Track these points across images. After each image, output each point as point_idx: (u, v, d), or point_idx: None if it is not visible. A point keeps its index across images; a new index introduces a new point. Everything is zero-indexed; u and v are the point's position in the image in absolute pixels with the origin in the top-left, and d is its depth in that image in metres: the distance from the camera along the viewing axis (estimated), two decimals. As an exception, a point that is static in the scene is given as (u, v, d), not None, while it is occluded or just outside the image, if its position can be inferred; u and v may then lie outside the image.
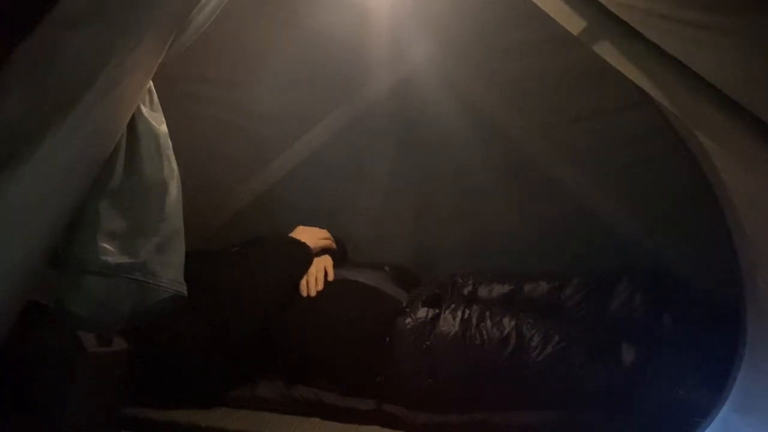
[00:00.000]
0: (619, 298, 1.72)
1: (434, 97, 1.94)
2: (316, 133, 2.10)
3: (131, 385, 1.44)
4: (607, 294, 1.74)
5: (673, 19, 0.86)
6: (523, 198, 2.01)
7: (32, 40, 0.89)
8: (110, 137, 1.02)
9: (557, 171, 1.96)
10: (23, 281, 0.95)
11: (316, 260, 1.75)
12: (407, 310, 1.58)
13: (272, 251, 1.75)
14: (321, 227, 1.89)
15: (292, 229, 1.86)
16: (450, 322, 1.52)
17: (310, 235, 1.82)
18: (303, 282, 1.67)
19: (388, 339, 1.52)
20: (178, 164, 1.19)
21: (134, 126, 1.09)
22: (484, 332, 1.49)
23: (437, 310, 1.56)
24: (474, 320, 1.52)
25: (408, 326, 1.53)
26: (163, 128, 1.16)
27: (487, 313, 1.54)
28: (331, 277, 1.71)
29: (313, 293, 1.65)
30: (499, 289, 1.84)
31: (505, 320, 1.51)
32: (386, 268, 1.88)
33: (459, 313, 1.54)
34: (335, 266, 1.76)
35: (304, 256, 1.74)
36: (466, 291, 1.85)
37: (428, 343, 1.50)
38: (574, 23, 0.96)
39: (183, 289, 1.18)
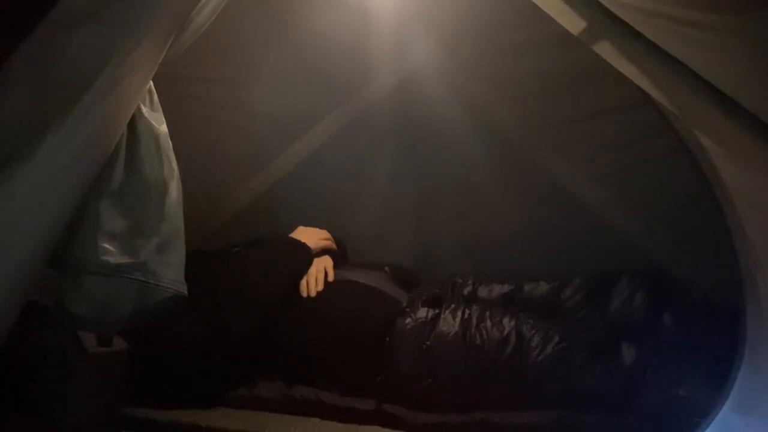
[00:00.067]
0: (619, 298, 1.72)
1: (434, 97, 1.93)
2: (316, 133, 2.10)
3: (131, 385, 1.44)
4: (607, 294, 1.74)
5: (673, 19, 0.86)
6: (523, 198, 2.01)
7: (32, 40, 0.89)
8: (110, 137, 1.02)
9: (557, 171, 1.96)
10: (23, 281, 0.95)
11: (316, 261, 1.75)
12: (407, 310, 1.58)
13: (272, 251, 1.75)
14: (321, 227, 1.88)
15: (292, 230, 1.86)
16: (450, 323, 1.52)
17: (311, 236, 1.82)
18: (303, 282, 1.67)
19: (388, 339, 1.52)
20: (178, 164, 1.19)
21: (134, 126, 1.09)
22: (484, 332, 1.49)
23: (437, 311, 1.56)
24: (474, 320, 1.52)
25: (408, 326, 1.53)
26: (163, 128, 1.16)
27: (487, 313, 1.54)
28: (331, 278, 1.71)
29: (313, 293, 1.65)
30: (499, 289, 1.84)
31: (505, 320, 1.51)
32: (386, 268, 1.88)
33: (459, 314, 1.54)
34: (335, 267, 1.76)
35: (305, 256, 1.74)
36: (466, 291, 1.85)
37: (428, 343, 1.50)
38: (574, 23, 0.96)
39: (183, 289, 1.18)
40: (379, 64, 1.94)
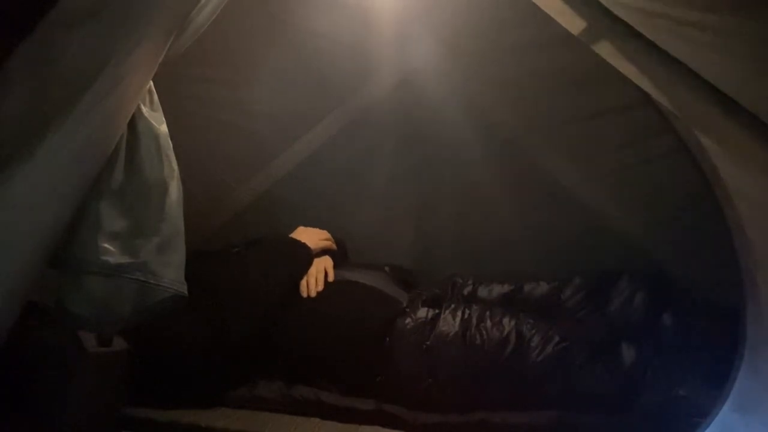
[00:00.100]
0: (619, 298, 1.72)
1: (434, 97, 1.93)
2: (316, 133, 2.10)
3: (131, 385, 1.44)
4: (607, 294, 1.74)
5: (673, 19, 0.86)
6: (523, 198, 2.01)
7: (32, 40, 0.89)
8: (110, 137, 1.02)
9: (557, 171, 1.96)
10: (23, 281, 0.95)
11: (316, 261, 1.75)
12: (407, 310, 1.58)
13: (272, 252, 1.75)
14: (321, 228, 1.88)
15: (292, 230, 1.85)
16: (450, 323, 1.52)
17: (311, 236, 1.82)
18: (303, 282, 1.67)
19: (388, 339, 1.52)
20: (178, 164, 1.19)
21: (134, 126, 1.09)
22: (484, 332, 1.49)
23: (437, 311, 1.56)
24: (474, 320, 1.52)
25: (408, 326, 1.53)
26: (163, 128, 1.16)
27: (487, 313, 1.54)
28: (331, 278, 1.71)
29: (313, 294, 1.65)
30: (499, 290, 1.84)
31: (505, 320, 1.51)
32: (386, 268, 1.88)
33: (459, 314, 1.54)
34: (335, 267, 1.76)
35: (305, 256, 1.74)
36: (466, 291, 1.85)
37: (428, 343, 1.50)
38: (574, 23, 0.96)
39: (183, 288, 1.18)
40: (379, 64, 1.94)
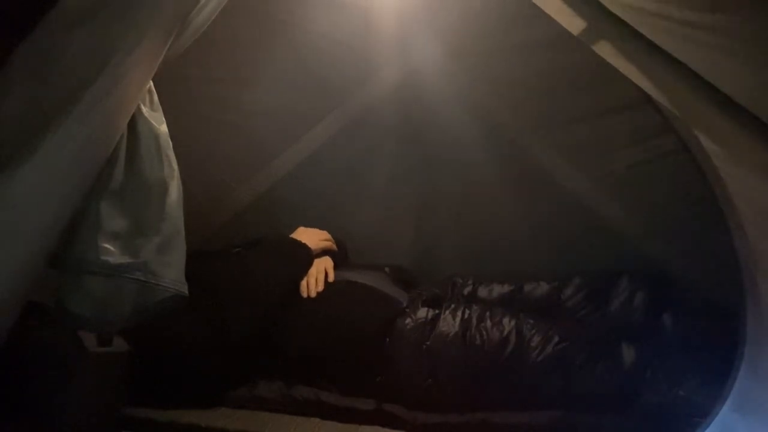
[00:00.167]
0: (619, 299, 1.72)
1: (435, 97, 1.94)
2: (316, 133, 2.10)
3: (131, 385, 1.44)
4: (607, 294, 1.74)
5: (673, 19, 0.86)
6: (523, 198, 2.01)
7: (32, 40, 0.89)
8: (110, 137, 1.02)
9: (558, 171, 1.96)
10: (23, 281, 0.95)
11: (316, 261, 1.75)
12: (407, 310, 1.58)
13: (273, 252, 1.75)
14: (321, 228, 1.88)
15: (292, 230, 1.85)
16: (450, 323, 1.52)
17: (311, 236, 1.82)
18: (303, 283, 1.67)
19: (388, 339, 1.52)
20: (178, 164, 1.19)
21: (134, 126, 1.09)
22: (484, 332, 1.49)
23: (437, 311, 1.56)
24: (474, 320, 1.52)
25: (408, 326, 1.53)
26: (163, 128, 1.16)
27: (487, 313, 1.54)
28: (331, 278, 1.71)
29: (313, 294, 1.65)
30: (499, 290, 1.84)
31: (505, 320, 1.51)
32: (386, 269, 1.88)
33: (459, 314, 1.54)
34: (336, 267, 1.76)
35: (305, 257, 1.74)
36: (466, 291, 1.85)
37: (428, 343, 1.50)
38: (574, 23, 0.96)
39: (184, 288, 1.18)
40: (379, 64, 1.95)
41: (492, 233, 2.05)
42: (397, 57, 1.92)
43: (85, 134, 0.93)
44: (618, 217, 1.91)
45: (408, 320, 1.54)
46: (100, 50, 0.91)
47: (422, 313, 1.56)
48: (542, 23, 1.07)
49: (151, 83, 1.13)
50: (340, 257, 1.87)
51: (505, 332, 1.48)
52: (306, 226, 1.87)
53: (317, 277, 1.69)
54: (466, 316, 1.53)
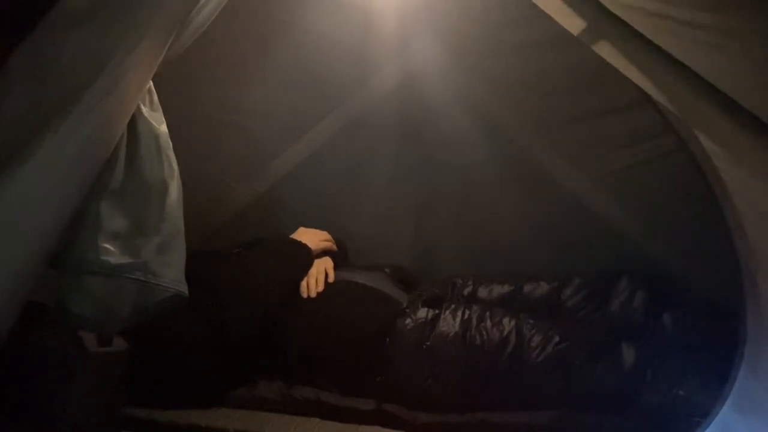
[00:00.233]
0: (619, 299, 1.72)
1: (435, 97, 1.93)
2: (317, 133, 2.10)
3: (131, 385, 1.44)
4: (607, 294, 1.74)
5: (673, 19, 0.86)
6: (523, 198, 2.01)
7: (32, 40, 0.89)
8: (110, 137, 1.02)
9: (558, 171, 1.95)
10: (23, 281, 0.95)
11: (316, 262, 1.75)
12: (407, 310, 1.58)
13: (273, 252, 1.75)
14: (321, 228, 1.88)
15: (292, 230, 1.85)
16: (450, 323, 1.52)
17: (311, 237, 1.82)
18: (303, 283, 1.67)
19: (388, 339, 1.52)
20: (178, 164, 1.19)
21: (134, 126, 1.09)
22: (484, 333, 1.49)
23: (437, 311, 1.56)
24: (474, 321, 1.52)
25: (408, 327, 1.53)
26: (163, 128, 1.16)
27: (487, 313, 1.54)
28: (331, 279, 1.71)
29: (313, 294, 1.65)
30: (499, 290, 1.84)
31: (505, 320, 1.51)
32: (386, 269, 1.88)
33: (459, 314, 1.54)
34: (336, 267, 1.76)
35: (305, 257, 1.74)
36: (466, 291, 1.85)
37: (428, 343, 1.50)
38: (574, 23, 0.96)
39: (184, 288, 1.18)
40: (379, 64, 1.94)
41: (492, 233, 2.05)
42: (397, 57, 1.91)
43: (85, 134, 0.93)
44: (618, 217, 1.91)
45: (408, 320, 1.54)
46: (100, 50, 0.91)
47: (422, 313, 1.56)
48: (542, 23, 1.07)
49: (151, 83, 1.13)
50: (340, 257, 1.87)
51: (505, 332, 1.48)
52: (306, 226, 1.87)
53: (317, 277, 1.69)
54: (466, 316, 1.53)
